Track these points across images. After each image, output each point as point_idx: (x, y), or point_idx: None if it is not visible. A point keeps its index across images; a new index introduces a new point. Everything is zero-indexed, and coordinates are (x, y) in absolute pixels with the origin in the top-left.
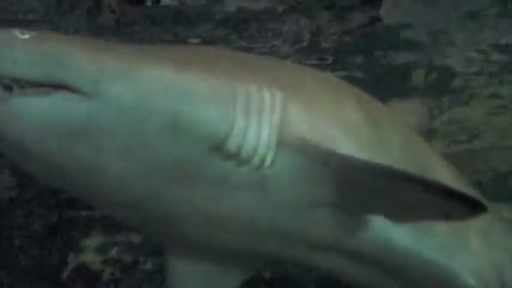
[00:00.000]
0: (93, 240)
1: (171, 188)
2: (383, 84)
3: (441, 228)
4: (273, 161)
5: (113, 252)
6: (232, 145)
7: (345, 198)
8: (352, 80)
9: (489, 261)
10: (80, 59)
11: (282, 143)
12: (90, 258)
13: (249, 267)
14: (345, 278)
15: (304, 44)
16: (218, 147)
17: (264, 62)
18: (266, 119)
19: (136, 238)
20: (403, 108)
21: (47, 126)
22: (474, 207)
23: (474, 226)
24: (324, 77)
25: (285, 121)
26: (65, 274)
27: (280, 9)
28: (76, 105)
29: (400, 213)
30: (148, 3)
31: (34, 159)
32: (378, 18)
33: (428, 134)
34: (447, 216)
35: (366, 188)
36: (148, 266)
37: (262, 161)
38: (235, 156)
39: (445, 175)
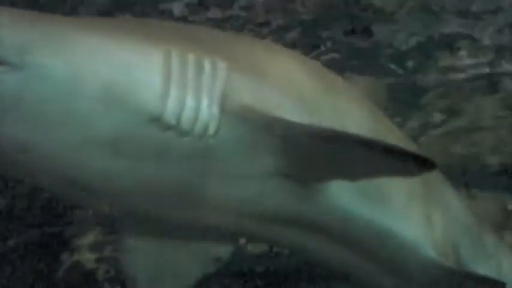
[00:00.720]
0: (87, 240)
1: (113, 162)
2: None
3: (400, 199)
4: (216, 130)
5: (107, 251)
6: (170, 115)
7: (294, 166)
8: None
9: (448, 235)
10: (5, 29)
11: (225, 111)
12: (85, 256)
13: (214, 248)
14: (306, 253)
15: None
16: (155, 118)
17: (206, 32)
18: (206, 88)
19: None
20: (358, 84)
21: None
22: (423, 164)
23: (434, 200)
24: (269, 45)
25: (228, 89)
26: (60, 273)
27: None
28: (3, 76)
29: (349, 175)
30: None
31: None
32: None
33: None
34: (397, 173)
35: (313, 153)
36: None
37: (205, 130)
38: (175, 127)
39: (399, 143)
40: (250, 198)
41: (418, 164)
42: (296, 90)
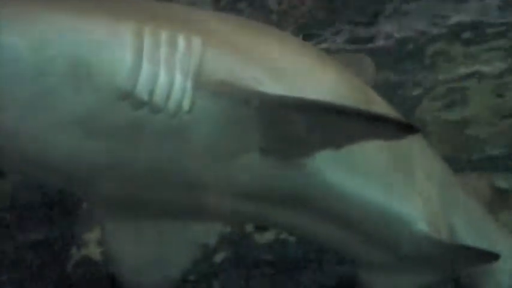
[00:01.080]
0: (94, 235)
1: (86, 142)
2: None
3: (389, 173)
4: (191, 106)
5: None
6: (141, 91)
7: (273, 140)
8: None
9: (440, 209)
10: None
11: (200, 86)
12: (92, 250)
13: (200, 233)
14: (293, 230)
15: None
16: (126, 95)
17: (181, 9)
18: (180, 63)
19: None
20: (348, 61)
21: None
22: (406, 129)
23: (425, 175)
24: (246, 21)
25: (203, 64)
26: (69, 267)
27: None
28: None
29: (331, 144)
30: None
31: None
32: None
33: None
34: (380, 138)
35: (291, 125)
36: None
37: (179, 106)
38: (147, 103)
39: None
40: (231, 175)
41: (401, 129)
42: (275, 64)
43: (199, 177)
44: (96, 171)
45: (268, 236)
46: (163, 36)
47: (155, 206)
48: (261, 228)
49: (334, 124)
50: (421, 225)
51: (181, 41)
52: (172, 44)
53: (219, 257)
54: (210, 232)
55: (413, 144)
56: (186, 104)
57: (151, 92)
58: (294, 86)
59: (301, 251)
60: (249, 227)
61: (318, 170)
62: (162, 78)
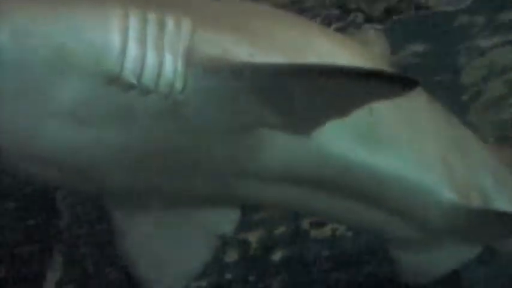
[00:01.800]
0: None
1: (80, 133)
2: None
3: (406, 141)
4: (183, 86)
5: None
6: (129, 74)
7: (272, 114)
8: None
9: (467, 175)
10: None
11: (192, 65)
12: None
13: (215, 224)
14: (311, 211)
15: None
16: (114, 78)
17: None
18: (168, 44)
19: None
20: (361, 38)
21: None
22: (404, 82)
23: (449, 141)
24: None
25: (194, 43)
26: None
27: None
28: None
29: (332, 111)
30: None
31: None
32: None
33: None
34: (382, 97)
35: (289, 95)
36: None
37: (171, 86)
38: (136, 86)
39: None
40: (234, 154)
41: (402, 84)
42: (269, 40)
43: (203, 159)
44: (94, 162)
45: (325, 233)
46: (151, 17)
47: (162, 194)
48: (318, 224)
49: (332, 87)
50: (448, 194)
51: (169, 21)
52: (160, 24)
53: (276, 256)
54: (226, 221)
55: (433, 112)
56: (178, 84)
57: (139, 74)
58: (289, 59)
59: (357, 246)
60: (305, 224)
61: (330, 142)
62: (151, 59)
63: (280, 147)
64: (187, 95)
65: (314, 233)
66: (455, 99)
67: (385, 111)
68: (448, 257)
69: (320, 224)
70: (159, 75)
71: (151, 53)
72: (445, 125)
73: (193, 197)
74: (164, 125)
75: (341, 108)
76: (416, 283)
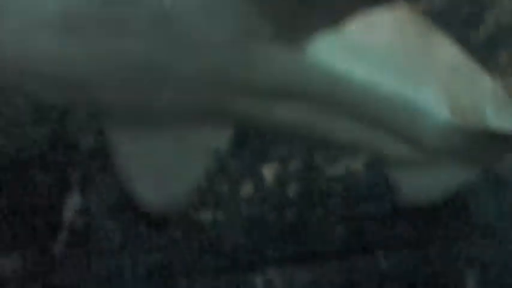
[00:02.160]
0: None
1: (67, 43)
2: None
3: (399, 57)
4: None
5: None
6: None
7: (262, 22)
8: None
9: (465, 95)
10: None
11: None
12: None
13: (211, 138)
14: (305, 132)
15: None
16: None
17: None
18: None
19: None
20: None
21: None
22: None
23: (441, 59)
24: None
25: None
26: None
27: None
28: None
29: (322, 20)
30: None
31: None
32: None
33: None
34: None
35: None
36: None
37: None
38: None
39: None
40: (229, 67)
41: None
42: None
43: (195, 72)
44: (84, 75)
45: (339, 169)
46: None
47: (156, 110)
48: (330, 159)
49: None
50: (443, 112)
51: None
52: None
53: (290, 191)
54: (221, 136)
55: (434, 37)
56: None
57: None
58: None
59: (372, 183)
60: (318, 159)
61: (324, 57)
62: None
63: (271, 60)
64: (179, 4)
65: (328, 168)
66: None
67: (383, 30)
68: (447, 179)
69: (333, 160)
70: None
71: None
72: (438, 45)
73: (185, 112)
74: (158, 36)
75: (334, 15)
76: (417, 206)
